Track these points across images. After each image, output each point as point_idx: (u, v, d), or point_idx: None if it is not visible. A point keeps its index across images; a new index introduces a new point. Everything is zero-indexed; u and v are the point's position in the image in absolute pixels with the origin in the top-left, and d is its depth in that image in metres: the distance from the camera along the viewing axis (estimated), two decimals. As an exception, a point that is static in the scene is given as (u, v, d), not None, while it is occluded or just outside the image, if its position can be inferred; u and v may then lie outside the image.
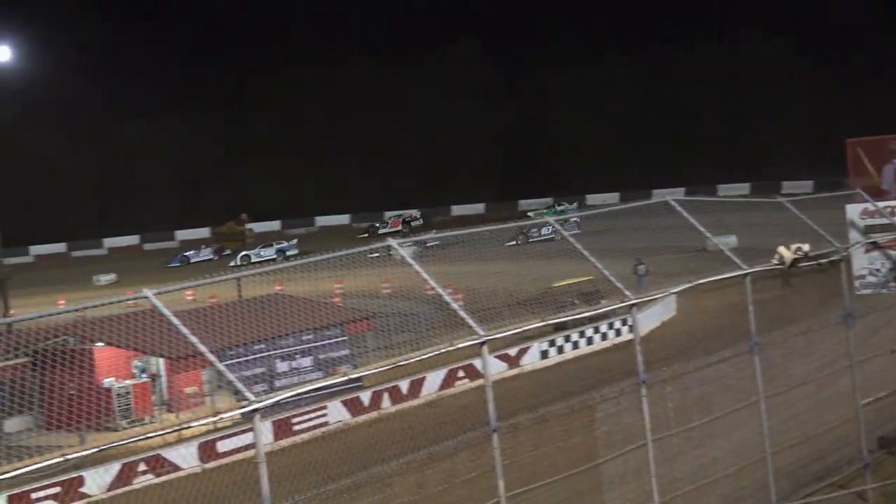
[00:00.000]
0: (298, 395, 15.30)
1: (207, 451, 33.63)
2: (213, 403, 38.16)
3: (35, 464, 12.19)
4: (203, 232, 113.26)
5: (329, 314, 45.18)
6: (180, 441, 33.39)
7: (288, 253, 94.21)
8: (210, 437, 33.82)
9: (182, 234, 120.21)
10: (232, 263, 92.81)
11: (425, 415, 36.36)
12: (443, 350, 16.15)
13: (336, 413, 37.29)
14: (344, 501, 16.66)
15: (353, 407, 38.01)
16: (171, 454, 33.24)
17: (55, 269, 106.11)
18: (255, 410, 13.38)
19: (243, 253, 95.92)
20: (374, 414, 38.22)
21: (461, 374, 40.15)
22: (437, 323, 38.46)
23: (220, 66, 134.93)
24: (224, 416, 14.96)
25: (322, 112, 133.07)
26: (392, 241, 16.68)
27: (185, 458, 33.42)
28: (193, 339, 13.59)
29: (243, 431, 31.51)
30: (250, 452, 26.43)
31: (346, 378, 20.19)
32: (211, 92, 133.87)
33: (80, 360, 39.35)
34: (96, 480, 31.62)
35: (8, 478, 12.22)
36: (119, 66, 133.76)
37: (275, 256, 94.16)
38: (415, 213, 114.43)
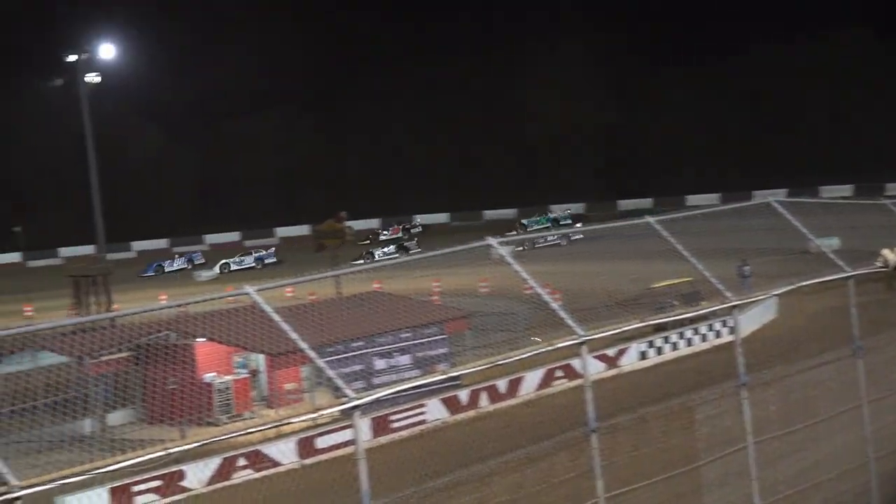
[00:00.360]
0: (397, 392, 15.34)
1: (306, 447, 33.83)
2: (312, 400, 38.38)
3: (138, 457, 12.33)
4: (303, 229, 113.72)
5: (427, 312, 45.28)
6: (279, 437, 33.60)
7: (266, 261, 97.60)
8: (309, 434, 34.01)
9: (282, 231, 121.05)
10: (205, 273, 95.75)
11: (523, 414, 36.28)
12: (542, 350, 16.12)
13: (434, 411, 37.35)
14: (442, 499, 16.65)
15: (452, 405, 38.04)
16: (270, 450, 33.45)
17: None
18: (355, 407, 13.44)
19: (223, 261, 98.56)
20: (471, 412, 38.21)
21: (559, 373, 40.04)
22: (534, 322, 38.35)
23: (320, 64, 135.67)
24: (324, 412, 15.03)
25: (421, 110, 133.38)
26: (492, 240, 16.65)
27: (285, 453, 33.63)
28: (294, 335, 13.67)
29: (342, 428, 31.66)
30: (349, 449, 26.52)
31: (444, 376, 20.17)
32: (311, 89, 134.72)
33: (181, 355, 39.80)
34: (197, 474, 31.92)
35: (111, 470, 12.36)
36: (220, 64, 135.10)
37: (254, 264, 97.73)
38: (416, 220, 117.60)
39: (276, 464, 33.43)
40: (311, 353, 13.76)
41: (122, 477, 29.89)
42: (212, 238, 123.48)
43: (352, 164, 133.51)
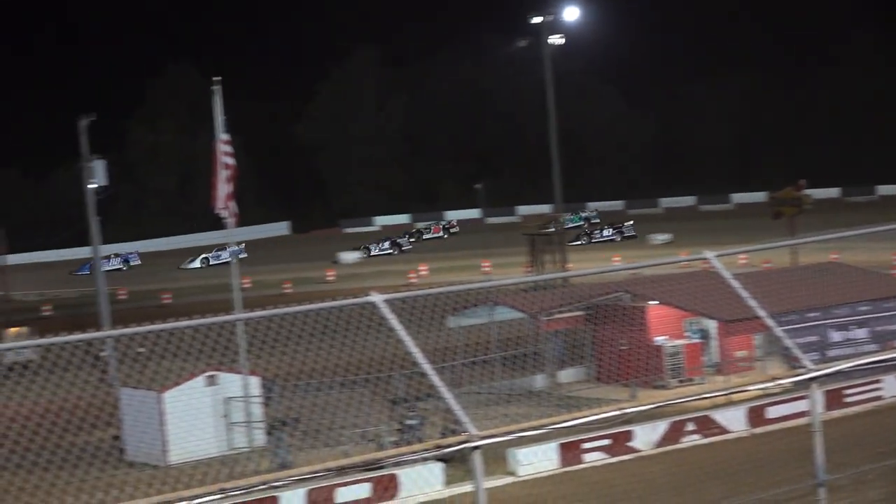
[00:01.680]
0: (856, 366, 14.93)
1: (756, 415, 33.42)
2: (763, 368, 37.94)
3: (593, 415, 12.47)
4: (759, 196, 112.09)
5: (888, 285, 43.89)
6: (729, 404, 33.32)
7: (240, 256, 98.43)
8: (759, 402, 33.58)
9: (738, 198, 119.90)
10: (183, 266, 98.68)
11: None
12: None
13: (892, 387, 36.13)
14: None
15: (911, 382, 36.69)
16: (719, 416, 33.24)
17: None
18: (812, 379, 13.18)
19: (203, 256, 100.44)
20: (931, 392, 36.75)
21: None
22: None
23: (780, 28, 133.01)
24: (780, 381, 14.83)
25: (884, 78, 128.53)
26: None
27: (734, 421, 33.33)
28: (752, 302, 13.47)
29: (795, 399, 31.10)
30: (799, 421, 26.06)
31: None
32: (773, 54, 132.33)
33: (633, 317, 40.12)
34: (648, 435, 32.04)
35: (567, 427, 12.57)
36: (681, 27, 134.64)
37: (230, 259, 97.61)
38: (453, 220, 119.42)
39: (724, 431, 33.18)
40: (770, 322, 13.55)
41: (573, 434, 30.35)
42: (666, 202, 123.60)
43: (815, 130, 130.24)
